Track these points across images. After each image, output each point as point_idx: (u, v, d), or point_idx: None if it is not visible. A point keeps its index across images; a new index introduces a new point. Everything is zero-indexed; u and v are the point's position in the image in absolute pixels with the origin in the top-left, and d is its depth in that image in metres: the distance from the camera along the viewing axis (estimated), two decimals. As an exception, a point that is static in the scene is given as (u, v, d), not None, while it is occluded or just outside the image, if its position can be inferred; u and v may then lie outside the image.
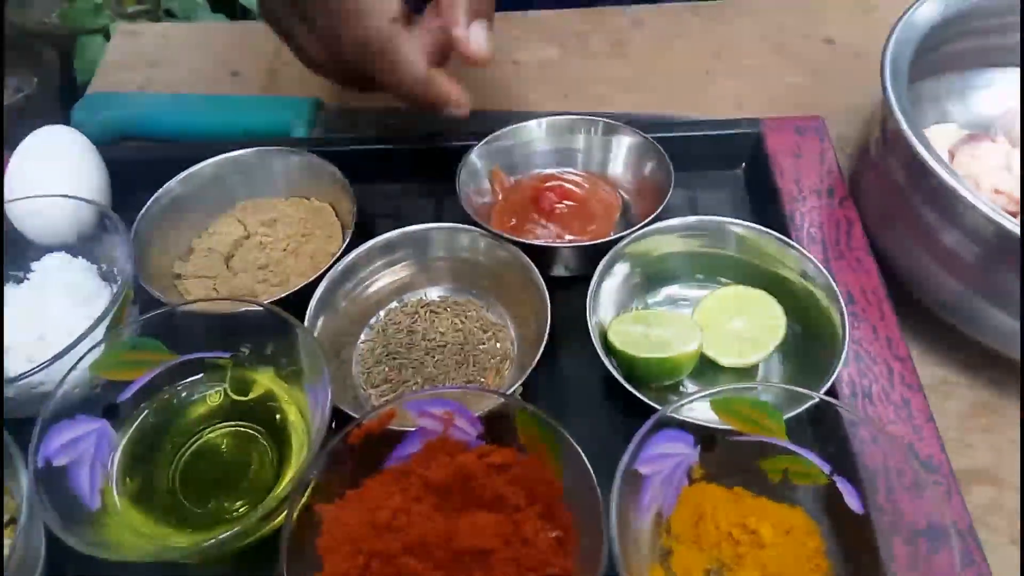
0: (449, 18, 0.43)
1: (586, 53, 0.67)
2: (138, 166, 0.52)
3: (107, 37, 1.85)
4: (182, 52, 0.69)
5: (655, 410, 0.36)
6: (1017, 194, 0.48)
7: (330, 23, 0.43)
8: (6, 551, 0.35)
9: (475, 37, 0.43)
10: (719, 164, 0.52)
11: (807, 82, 0.63)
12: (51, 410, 0.36)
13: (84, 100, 0.61)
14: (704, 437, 0.36)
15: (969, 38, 0.51)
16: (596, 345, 0.40)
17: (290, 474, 0.38)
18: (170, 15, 2.03)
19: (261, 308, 0.39)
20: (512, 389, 0.39)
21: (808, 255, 0.42)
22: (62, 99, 1.96)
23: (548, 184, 0.50)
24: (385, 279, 0.46)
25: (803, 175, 0.49)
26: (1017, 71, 0.53)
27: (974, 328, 0.43)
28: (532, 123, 0.50)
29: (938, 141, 0.51)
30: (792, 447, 0.36)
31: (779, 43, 0.66)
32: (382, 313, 0.46)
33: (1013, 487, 0.41)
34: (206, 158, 0.50)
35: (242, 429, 0.41)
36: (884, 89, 0.44)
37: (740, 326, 0.42)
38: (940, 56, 0.51)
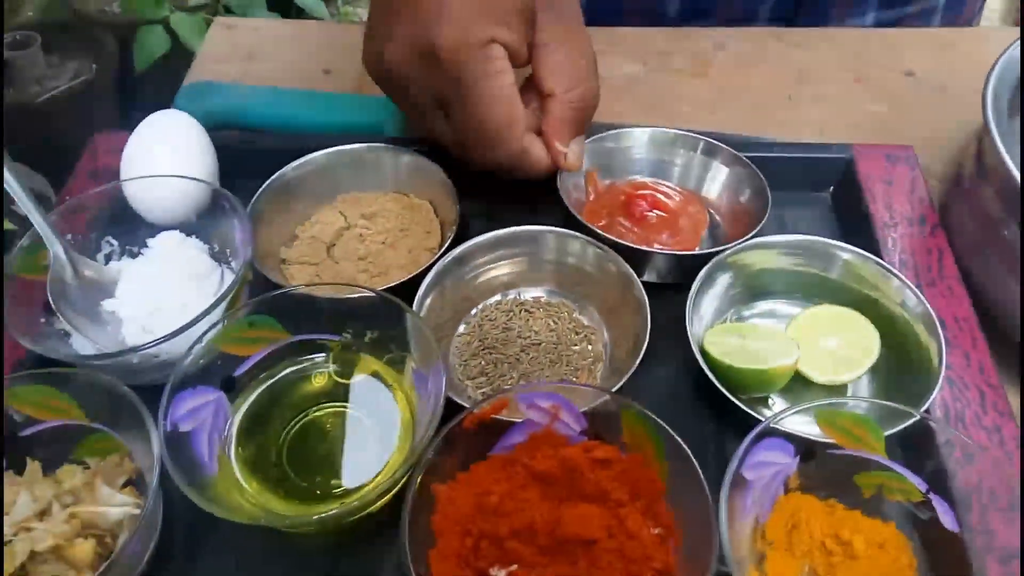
0: (554, 132, 0.47)
1: (669, 71, 0.68)
2: (242, 154, 0.54)
3: (167, 28, 1.90)
4: (277, 47, 0.71)
5: (747, 419, 0.38)
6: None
7: (473, 134, 0.46)
8: (137, 511, 0.37)
9: (572, 154, 0.48)
10: (808, 187, 0.53)
11: (888, 112, 0.64)
12: (178, 379, 0.38)
13: (185, 88, 0.64)
14: (804, 448, 0.37)
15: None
16: (695, 352, 0.41)
17: (395, 456, 0.40)
18: (228, 11, 2.08)
19: (375, 295, 0.41)
20: (615, 389, 0.40)
21: (907, 283, 0.43)
22: (120, 86, 2.02)
23: (641, 192, 0.51)
24: (485, 276, 0.48)
25: (895, 202, 0.50)
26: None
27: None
28: (636, 130, 0.52)
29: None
30: (889, 463, 0.37)
31: (860, 72, 0.67)
32: (479, 309, 0.48)
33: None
34: (306, 150, 0.52)
35: (346, 410, 0.42)
36: (986, 122, 0.45)
37: (833, 345, 0.43)
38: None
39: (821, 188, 0.54)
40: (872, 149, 0.53)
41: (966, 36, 0.71)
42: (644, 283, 0.44)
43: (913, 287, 0.42)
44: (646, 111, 0.64)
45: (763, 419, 0.36)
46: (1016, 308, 0.45)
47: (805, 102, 0.65)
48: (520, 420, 0.38)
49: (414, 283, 0.45)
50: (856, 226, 0.50)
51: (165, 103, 0.62)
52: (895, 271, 0.43)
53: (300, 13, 1.95)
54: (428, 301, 0.45)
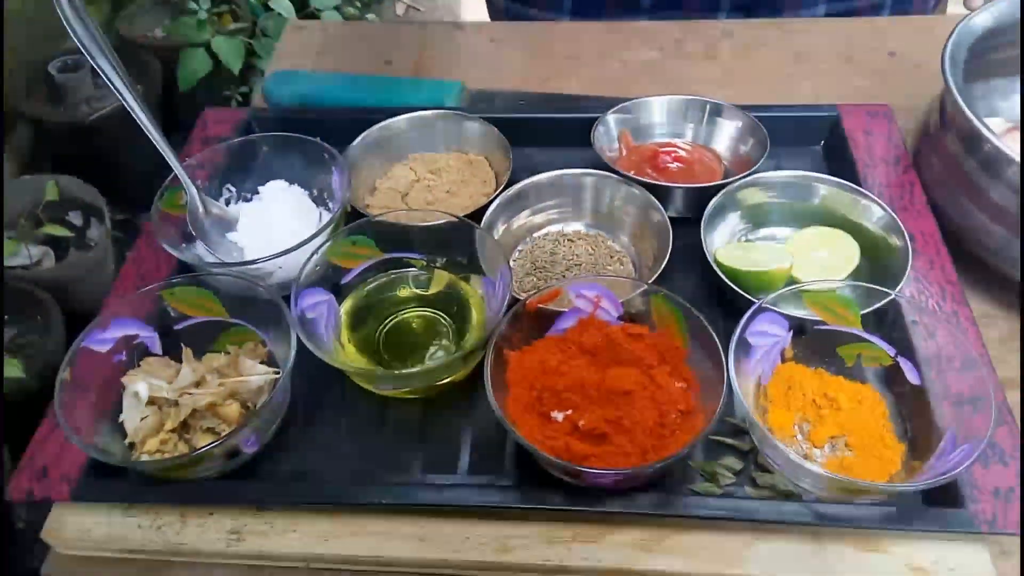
0: None
1: (682, 56, 0.79)
2: (326, 128, 0.64)
3: (208, 50, 2.03)
4: (342, 44, 0.83)
5: (750, 307, 0.48)
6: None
7: None
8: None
9: None
10: (803, 141, 0.63)
11: (873, 86, 0.74)
12: (302, 281, 0.48)
13: (271, 76, 0.75)
14: (795, 325, 0.47)
15: (1014, 47, 0.62)
16: (709, 259, 0.51)
17: (474, 333, 0.50)
18: (265, 35, 2.22)
19: (454, 217, 0.51)
20: (650, 283, 0.50)
21: (879, 202, 0.53)
22: (163, 105, 2.15)
23: (664, 148, 0.61)
24: (533, 213, 0.58)
25: (873, 148, 0.60)
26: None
27: (1013, 266, 0.54)
28: (655, 99, 0.62)
29: (987, 131, 0.62)
30: (866, 335, 0.47)
31: (849, 54, 0.78)
32: (529, 240, 0.58)
33: (1041, 394, 0.51)
34: (374, 123, 0.62)
35: (429, 313, 0.53)
36: (945, 80, 0.55)
37: (821, 256, 0.53)
38: (989, 62, 0.62)
39: (814, 142, 0.64)
40: (855, 108, 0.63)
41: (941, 21, 0.81)
42: (667, 217, 0.54)
43: (884, 205, 0.52)
44: (663, 89, 0.74)
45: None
46: (976, 227, 0.55)
47: (801, 79, 0.75)
48: (569, 308, 0.48)
49: (475, 220, 0.55)
50: (842, 169, 0.59)
51: None
52: (870, 194, 0.53)
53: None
54: (489, 230, 0.55)
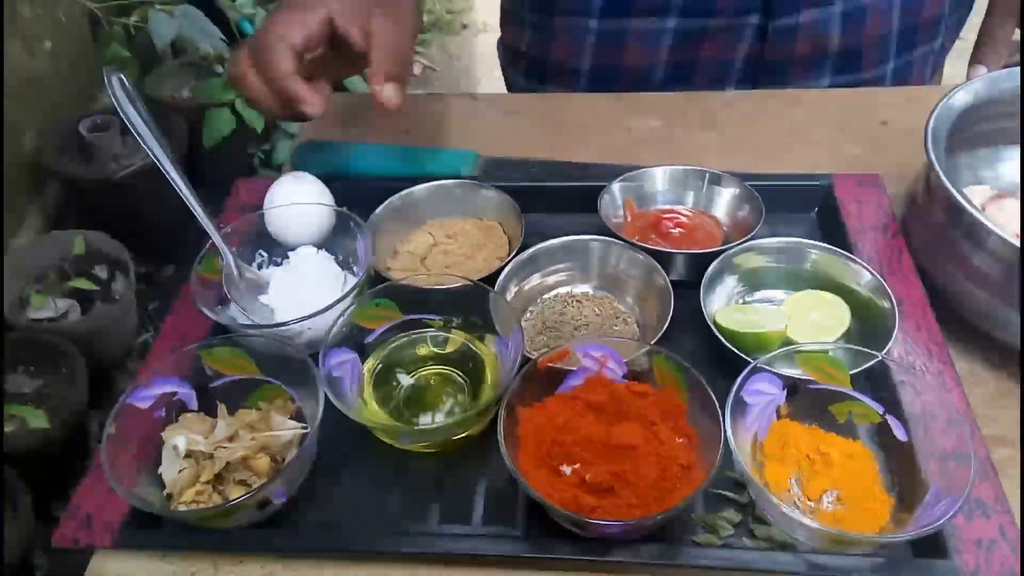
0: (372, 76, 0.62)
1: (685, 125, 0.83)
2: (351, 196, 0.69)
3: (233, 110, 2.11)
4: (364, 114, 0.88)
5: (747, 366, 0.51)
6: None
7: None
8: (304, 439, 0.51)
9: (387, 93, 0.62)
10: (798, 208, 0.67)
11: (866, 153, 0.78)
12: (329, 341, 0.52)
13: (302, 146, 0.80)
14: (789, 384, 0.50)
15: (995, 120, 0.66)
16: (708, 322, 0.55)
17: (487, 393, 0.53)
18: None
19: (469, 282, 0.55)
20: (652, 343, 0.53)
21: (865, 265, 0.56)
22: (188, 163, 2.23)
23: (666, 215, 0.65)
24: (544, 277, 0.62)
25: (864, 215, 0.64)
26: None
27: (998, 330, 0.57)
28: (657, 169, 0.67)
29: (973, 198, 0.66)
30: (855, 394, 0.50)
31: (843, 123, 0.82)
32: (540, 301, 0.62)
33: (1027, 450, 0.54)
34: (397, 190, 0.67)
35: (447, 371, 0.56)
36: (928, 155, 0.59)
37: (814, 318, 0.57)
38: (973, 133, 0.66)
39: (808, 209, 0.68)
40: (847, 177, 0.67)
41: (931, 91, 0.85)
42: (669, 281, 0.58)
43: (872, 270, 0.56)
44: (666, 157, 0.79)
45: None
46: (961, 291, 0.58)
47: (797, 148, 0.80)
48: (577, 367, 0.52)
49: (490, 282, 0.59)
50: (835, 235, 0.63)
51: (231, 176, 0.78)
52: (859, 260, 0.57)
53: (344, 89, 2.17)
54: (502, 293, 0.59)
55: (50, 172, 2.01)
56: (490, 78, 2.98)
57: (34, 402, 1.48)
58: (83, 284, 1.77)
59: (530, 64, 0.93)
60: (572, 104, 0.88)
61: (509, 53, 0.97)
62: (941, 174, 0.57)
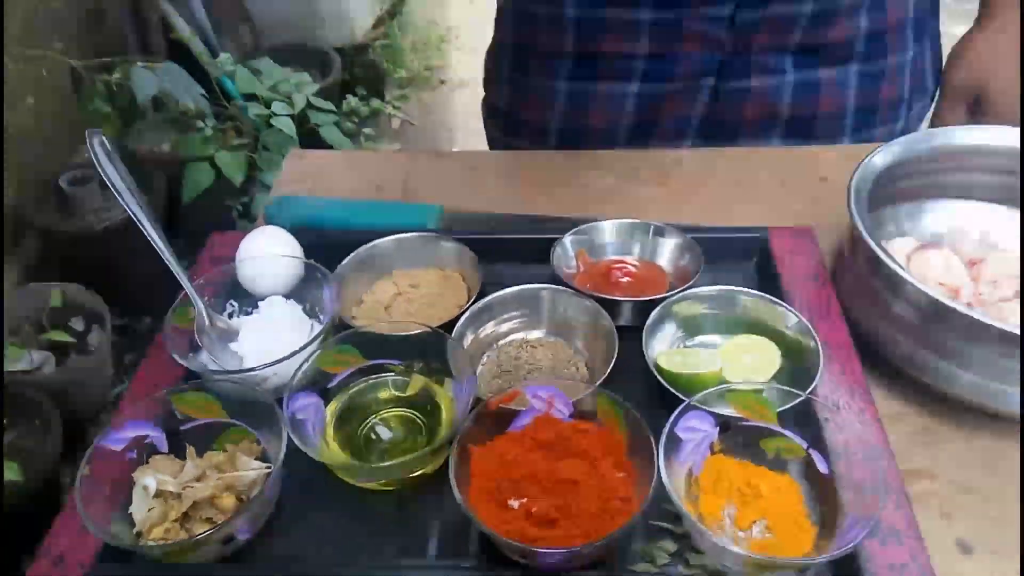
0: None
1: (637, 182, 0.89)
2: (320, 248, 0.73)
3: (212, 164, 2.16)
4: (338, 171, 0.93)
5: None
6: (955, 285, 0.67)
7: None
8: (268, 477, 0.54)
9: None
10: (738, 258, 0.72)
11: (805, 208, 0.84)
12: (293, 385, 0.56)
13: (274, 201, 0.84)
14: (722, 421, 0.54)
15: (915, 177, 0.72)
16: (650, 364, 0.59)
17: (442, 432, 0.57)
18: (266, 149, 2.36)
19: (428, 328, 0.59)
20: (596, 384, 0.57)
21: (793, 310, 0.61)
22: (167, 215, 2.26)
23: (615, 265, 0.70)
24: (500, 323, 0.66)
25: (796, 265, 0.69)
26: (952, 202, 0.74)
27: (918, 372, 0.61)
28: (607, 223, 0.72)
29: (899, 250, 0.71)
30: (782, 430, 0.54)
31: (785, 180, 0.88)
32: (496, 347, 0.66)
33: (945, 481, 0.58)
34: (363, 243, 0.71)
35: (405, 413, 0.60)
36: (850, 212, 0.64)
37: (748, 360, 0.61)
38: (896, 189, 0.72)
39: (747, 259, 0.73)
40: (782, 230, 0.72)
41: (866, 148, 0.91)
42: (615, 327, 0.62)
43: (799, 315, 0.61)
44: (620, 211, 0.84)
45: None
46: (884, 335, 0.63)
47: (742, 203, 0.85)
48: (526, 408, 0.55)
49: (449, 329, 0.63)
50: (770, 283, 0.68)
51: (210, 227, 0.80)
52: (787, 305, 0.62)
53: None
54: (459, 340, 0.63)
55: (29, 225, 2.04)
56: (465, 131, 3.07)
57: (7, 454, 1.48)
58: (59, 336, 1.79)
59: (506, 120, 1.00)
60: (533, 161, 0.93)
61: (489, 109, 1.03)
62: (862, 228, 0.62)
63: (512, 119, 0.99)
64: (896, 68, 0.90)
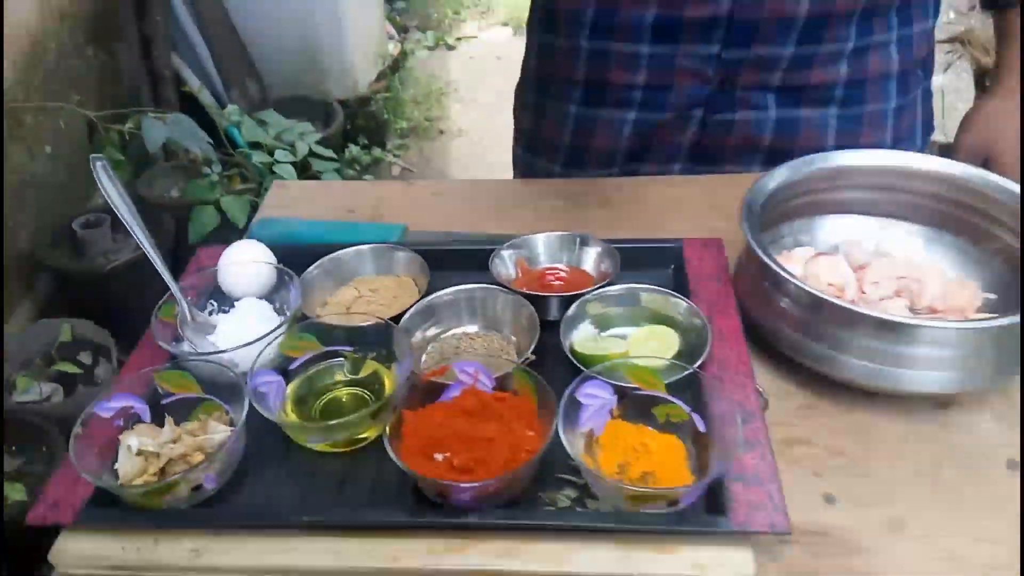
0: None
1: (582, 205, 1.00)
2: (294, 259, 0.84)
3: (218, 207, 2.29)
4: (315, 197, 1.04)
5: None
6: (841, 285, 0.77)
7: None
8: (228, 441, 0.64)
9: None
10: (659, 264, 0.82)
11: (729, 226, 0.94)
12: (258, 364, 0.66)
13: (257, 222, 0.95)
14: (619, 390, 0.64)
15: (804, 196, 0.82)
16: (566, 349, 0.69)
17: (383, 401, 0.66)
18: (265, 190, 2.50)
19: (377, 320, 0.69)
20: (522, 361, 0.67)
21: (692, 305, 0.71)
22: (174, 257, 2.38)
23: (549, 271, 0.81)
24: (441, 320, 0.76)
25: (703, 269, 0.79)
26: (840, 217, 0.84)
27: (801, 356, 0.71)
28: (539, 236, 0.82)
29: (799, 258, 0.81)
30: (671, 398, 0.64)
31: (713, 202, 0.98)
32: (439, 339, 0.76)
33: (820, 448, 0.67)
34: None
35: (356, 392, 0.70)
36: (743, 227, 0.74)
37: (652, 346, 0.71)
38: (789, 207, 0.83)
39: (667, 265, 0.83)
40: (694, 240, 0.82)
41: (786, 176, 1.02)
42: (544, 320, 0.72)
43: (695, 306, 0.71)
44: (563, 229, 0.95)
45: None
46: (772, 325, 0.72)
47: (674, 221, 0.95)
48: (455, 381, 0.65)
49: (397, 322, 0.73)
50: (682, 284, 0.78)
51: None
52: (679, 296, 0.72)
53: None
54: (407, 334, 0.73)
55: (43, 266, 2.17)
56: (463, 177, 3.21)
57: (14, 479, 1.58)
58: (67, 368, 1.89)
59: (528, 139, 1.14)
60: (490, 188, 1.05)
61: (516, 131, 1.17)
62: (750, 237, 0.73)
63: (533, 138, 1.13)
64: (879, 115, 0.98)
